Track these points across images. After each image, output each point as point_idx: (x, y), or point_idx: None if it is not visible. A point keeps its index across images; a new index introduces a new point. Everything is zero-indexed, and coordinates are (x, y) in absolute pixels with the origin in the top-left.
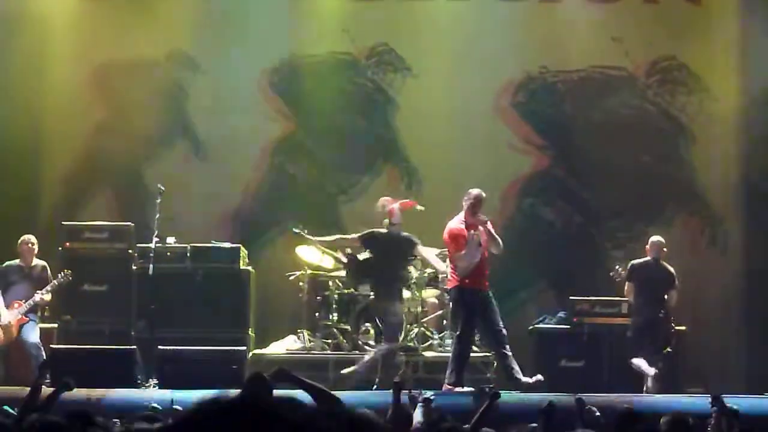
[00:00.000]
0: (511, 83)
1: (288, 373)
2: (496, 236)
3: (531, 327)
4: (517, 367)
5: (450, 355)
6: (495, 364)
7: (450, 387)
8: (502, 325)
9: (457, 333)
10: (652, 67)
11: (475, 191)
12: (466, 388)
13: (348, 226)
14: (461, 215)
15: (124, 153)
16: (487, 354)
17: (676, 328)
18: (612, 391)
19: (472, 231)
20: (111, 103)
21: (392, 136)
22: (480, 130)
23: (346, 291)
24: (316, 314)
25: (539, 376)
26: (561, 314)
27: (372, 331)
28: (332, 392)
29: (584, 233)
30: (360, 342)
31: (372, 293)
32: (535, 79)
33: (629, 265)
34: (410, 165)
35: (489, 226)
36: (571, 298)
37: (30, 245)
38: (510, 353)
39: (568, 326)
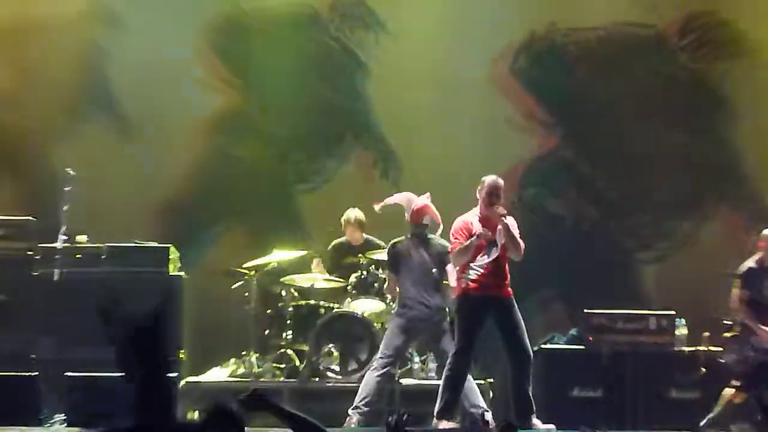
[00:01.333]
0: (511, 45)
1: (265, 399)
2: (517, 237)
3: (536, 348)
4: (532, 405)
5: (441, 381)
6: (492, 394)
7: (439, 421)
8: (527, 345)
9: (453, 351)
10: (686, 24)
11: (488, 178)
12: (452, 425)
13: (308, 223)
14: (477, 209)
15: (27, 130)
16: (484, 381)
17: None
18: (637, 429)
19: (484, 228)
20: (11, 70)
21: (364, 111)
22: (472, 104)
23: (303, 302)
24: (266, 332)
25: (551, 427)
26: (573, 332)
27: (335, 353)
28: (322, 428)
29: (601, 231)
30: (321, 367)
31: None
32: (541, 40)
33: (745, 268)
34: (386, 147)
35: (510, 222)
36: (585, 311)
37: None
38: (529, 385)
39: (583, 347)
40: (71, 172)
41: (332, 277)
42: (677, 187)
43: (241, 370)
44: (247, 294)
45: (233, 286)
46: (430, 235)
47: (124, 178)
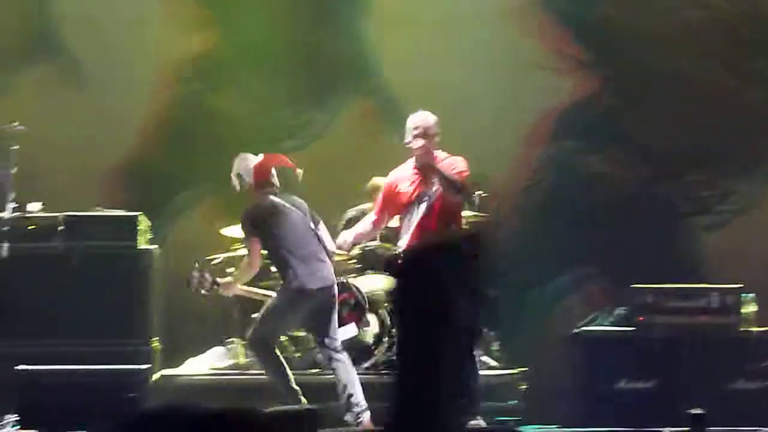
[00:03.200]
0: None
1: None
2: (449, 174)
3: (576, 330)
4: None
5: None
6: (524, 386)
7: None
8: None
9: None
10: None
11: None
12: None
13: (298, 185)
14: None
15: None
16: (511, 371)
17: None
18: (698, 426)
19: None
20: None
21: (362, 55)
22: (491, 41)
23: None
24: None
25: None
26: (619, 311)
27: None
28: None
29: (649, 192)
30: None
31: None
32: None
33: None
34: (389, 95)
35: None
36: (632, 287)
37: None
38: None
39: (630, 329)
40: (18, 126)
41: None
42: (739, 140)
43: (225, 361)
44: (231, 270)
45: (214, 262)
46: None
47: (79, 136)
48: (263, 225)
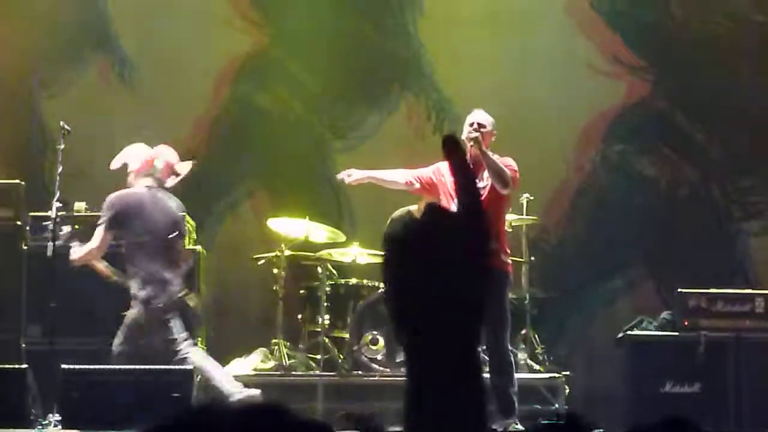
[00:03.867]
0: None
1: None
2: (497, 162)
3: (621, 334)
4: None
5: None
6: (568, 391)
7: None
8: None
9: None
10: None
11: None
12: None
13: (346, 187)
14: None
15: (10, 75)
16: (558, 375)
17: None
18: (743, 430)
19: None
20: None
21: (414, 54)
22: (546, 44)
23: (342, 281)
24: (299, 317)
25: None
26: (666, 315)
27: (380, 342)
28: None
29: (701, 196)
30: (364, 358)
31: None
32: None
33: None
34: (441, 96)
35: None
36: (680, 291)
37: None
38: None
39: (677, 333)
40: (66, 126)
41: (376, 251)
42: None
43: (269, 363)
44: (275, 271)
45: (259, 262)
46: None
47: (127, 134)
48: (125, 213)
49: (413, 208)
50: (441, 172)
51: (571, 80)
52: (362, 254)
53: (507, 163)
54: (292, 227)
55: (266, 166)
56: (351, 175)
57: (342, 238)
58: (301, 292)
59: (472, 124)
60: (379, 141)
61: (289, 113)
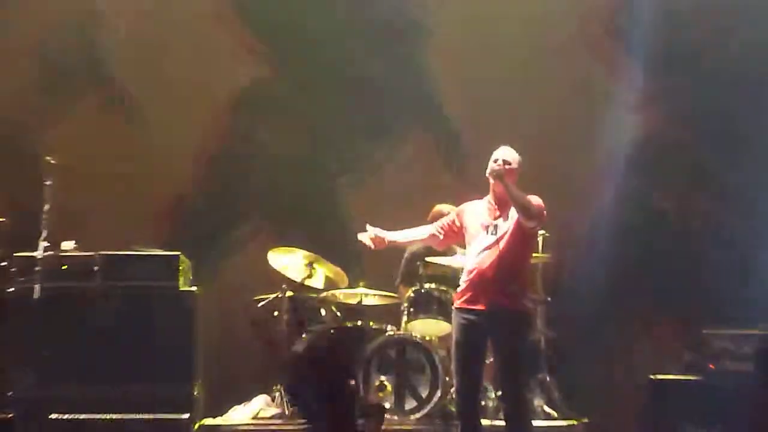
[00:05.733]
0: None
1: None
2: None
3: (643, 378)
4: None
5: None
6: None
7: None
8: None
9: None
10: None
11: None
12: None
13: (354, 223)
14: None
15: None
16: (576, 421)
17: None
18: None
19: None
20: None
21: (423, 86)
22: (557, 74)
23: (348, 324)
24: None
25: None
26: (689, 357)
27: (389, 388)
28: None
29: (720, 230)
30: (370, 404)
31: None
32: None
33: None
34: (451, 129)
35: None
36: (704, 332)
37: None
38: None
39: (701, 376)
40: (52, 161)
41: (384, 292)
42: None
43: (270, 411)
44: (277, 313)
45: (259, 304)
46: None
47: (121, 170)
48: None
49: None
50: (463, 215)
51: (586, 112)
52: (368, 295)
53: (533, 198)
54: (295, 265)
55: (268, 203)
56: (373, 241)
57: (345, 279)
58: (305, 335)
59: (496, 161)
60: (386, 176)
61: (293, 146)
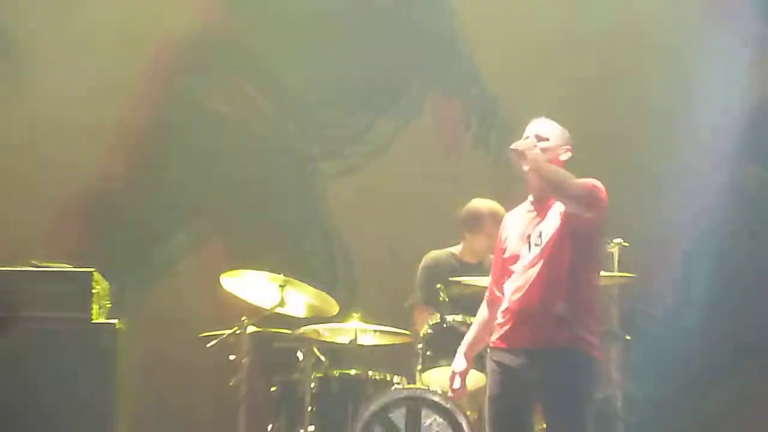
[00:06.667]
0: None
1: None
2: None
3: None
4: None
5: None
6: None
7: None
8: None
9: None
10: None
11: None
12: None
13: (343, 230)
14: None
15: None
16: None
17: None
18: None
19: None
20: None
21: (445, 36)
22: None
23: (336, 372)
24: (270, 427)
25: None
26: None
27: None
28: None
29: None
30: None
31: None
32: None
33: None
34: (484, 95)
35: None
36: None
37: None
38: None
39: None
40: None
41: (387, 327)
42: None
43: None
44: (233, 357)
45: (209, 344)
46: None
47: (9, 155)
48: None
49: (455, 249)
50: (503, 229)
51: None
52: (365, 332)
53: (582, 182)
54: (259, 289)
55: (223, 201)
56: (459, 382)
57: (335, 308)
58: (273, 388)
59: (527, 137)
60: (394, 158)
61: (257, 119)
